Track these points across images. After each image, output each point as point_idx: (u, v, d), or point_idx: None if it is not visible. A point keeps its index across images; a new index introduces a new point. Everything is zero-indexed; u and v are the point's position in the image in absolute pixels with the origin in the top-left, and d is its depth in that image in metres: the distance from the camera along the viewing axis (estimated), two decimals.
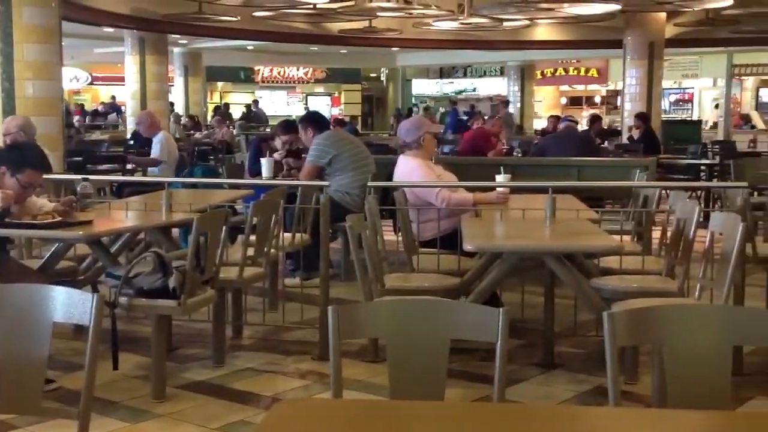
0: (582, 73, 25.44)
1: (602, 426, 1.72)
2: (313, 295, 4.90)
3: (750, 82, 24.11)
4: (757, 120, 22.05)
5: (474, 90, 27.78)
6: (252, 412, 3.80)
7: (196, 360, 4.52)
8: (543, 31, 17.06)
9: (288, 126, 7.27)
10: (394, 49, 20.03)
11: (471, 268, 4.54)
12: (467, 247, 3.95)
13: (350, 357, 4.34)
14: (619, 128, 15.91)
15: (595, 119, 13.49)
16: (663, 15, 14.75)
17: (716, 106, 20.27)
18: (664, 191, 6.25)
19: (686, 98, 24.45)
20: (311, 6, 12.00)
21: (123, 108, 18.88)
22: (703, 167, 11.26)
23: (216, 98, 26.17)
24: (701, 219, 4.32)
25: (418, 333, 2.17)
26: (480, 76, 27.48)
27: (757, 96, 24.19)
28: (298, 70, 26.55)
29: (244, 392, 4.06)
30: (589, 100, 26.43)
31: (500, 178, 5.25)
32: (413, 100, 27.85)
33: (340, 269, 6.30)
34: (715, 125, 21.76)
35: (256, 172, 6.64)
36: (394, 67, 26.23)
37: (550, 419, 1.73)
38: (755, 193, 7.63)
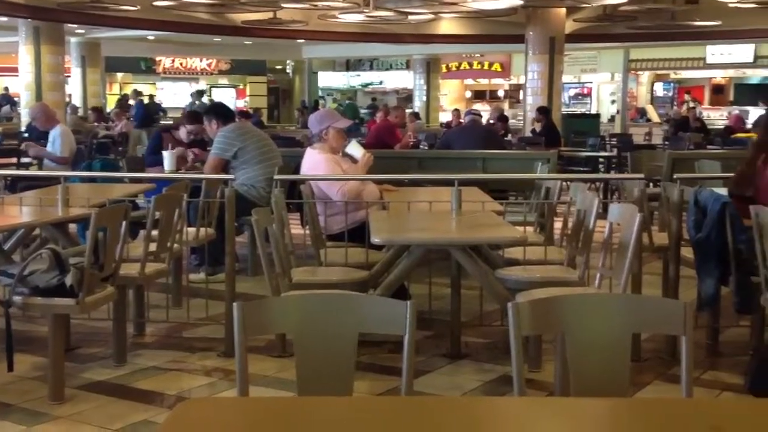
0: (486, 67, 25.85)
1: (506, 416, 1.74)
2: (219, 291, 4.82)
3: (645, 76, 25.01)
4: (652, 113, 22.88)
5: (380, 83, 27.88)
6: (155, 411, 3.70)
7: (97, 359, 4.39)
8: (447, 25, 17.25)
9: (194, 116, 7.13)
10: (299, 40, 19.89)
11: (379, 261, 4.55)
12: (375, 240, 3.95)
13: (258, 352, 4.29)
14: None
15: (502, 118, 13.73)
16: (563, 11, 15.13)
17: (612, 102, 20.94)
18: (565, 183, 6.40)
19: (585, 92, 25.16)
20: None
21: (17, 100, 18.13)
22: (601, 160, 11.62)
23: (116, 90, 25.43)
24: (600, 210, 4.44)
25: (326, 327, 2.15)
26: (386, 69, 27.60)
27: (652, 90, 25.12)
28: (201, 61, 26.08)
29: (147, 391, 3.96)
30: (493, 94, 26.89)
31: (351, 148, 5.37)
32: (320, 93, 27.75)
33: (246, 264, 6.22)
34: (612, 119, 22.48)
35: (154, 164, 6.49)
36: (300, 59, 26.07)
37: (455, 411, 1.74)
38: (651, 184, 7.92)
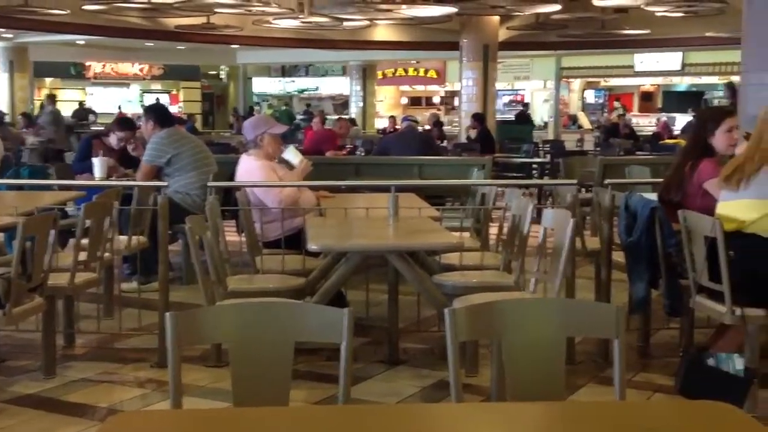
0: (421, 73, 26.03)
1: (443, 423, 1.74)
2: (152, 300, 4.72)
3: (577, 84, 25.51)
4: (583, 120, 23.34)
5: (316, 89, 27.83)
6: (86, 425, 3.61)
7: (25, 372, 4.25)
8: (383, 32, 17.32)
9: (125, 122, 7.00)
10: (234, 46, 19.73)
11: (316, 268, 4.52)
12: (311, 247, 3.92)
13: (192, 362, 4.22)
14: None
15: (436, 123, 13.84)
16: (496, 19, 15.34)
17: (546, 104, 21.35)
18: (500, 189, 6.47)
19: (519, 99, 25.54)
20: (146, 0, 11.61)
21: None
22: (535, 166, 11.79)
23: (44, 95, 24.79)
24: (534, 215, 4.49)
25: (262, 336, 2.12)
26: (322, 75, 27.57)
27: (583, 97, 25.64)
28: (133, 66, 25.61)
29: (78, 404, 3.85)
30: (429, 101, 27.10)
31: (288, 154, 5.34)
32: (255, 99, 27.55)
33: (180, 272, 6.12)
34: (545, 125, 22.86)
35: (82, 171, 6.34)
36: (234, 64, 25.84)
37: (392, 419, 1.73)
38: (583, 190, 8.06)
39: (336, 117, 14.55)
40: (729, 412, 1.68)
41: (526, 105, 21.56)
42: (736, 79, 19.38)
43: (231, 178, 5.47)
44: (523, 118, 19.47)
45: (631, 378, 4.12)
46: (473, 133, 13.14)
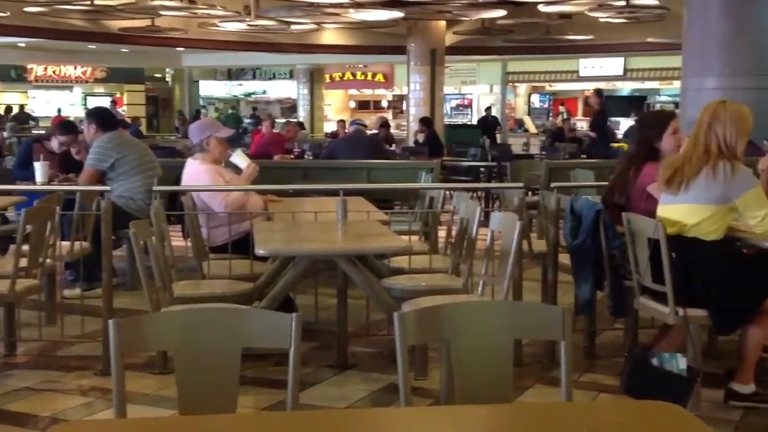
0: (369, 77, 26.06)
1: (391, 427, 1.73)
2: (96, 307, 4.63)
3: (523, 88, 25.81)
4: (529, 124, 23.61)
5: (264, 92, 27.67)
6: None
7: None
8: (330, 36, 17.30)
9: (67, 126, 6.86)
10: (179, 49, 19.48)
11: (264, 273, 4.48)
12: (259, 251, 3.89)
13: (138, 369, 4.15)
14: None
15: (383, 125, 13.84)
16: (443, 23, 15.44)
17: (488, 108, 21.44)
18: (448, 192, 6.51)
19: (466, 103, 25.74)
20: (88, 2, 11.41)
21: None
22: (482, 169, 11.87)
23: None
24: (482, 218, 4.53)
25: (208, 342, 2.09)
26: (269, 79, 27.42)
27: (529, 102, 25.96)
28: (75, 69, 25.13)
29: (20, 414, 3.76)
30: (377, 104, 27.14)
31: (236, 157, 5.29)
32: (201, 102, 27.26)
33: (125, 278, 6.01)
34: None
35: (24, 178, 6.20)
36: (180, 67, 25.53)
37: (340, 424, 1.72)
38: (530, 193, 8.14)
39: (284, 120, 14.41)
40: (673, 412, 1.71)
41: (489, 108, 21.45)
42: (602, 85, 20.13)
43: (176, 182, 5.40)
44: (485, 123, 19.40)
45: (577, 378, 4.18)
46: (421, 137, 13.19)
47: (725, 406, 3.76)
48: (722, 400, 3.78)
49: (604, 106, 13.59)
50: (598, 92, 13.70)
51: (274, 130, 11.79)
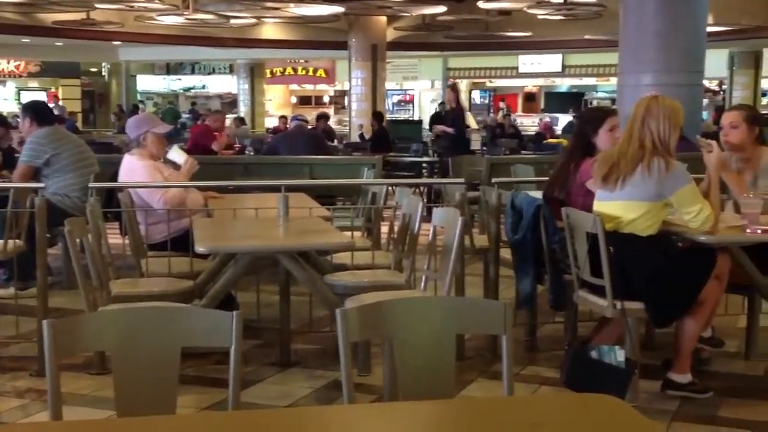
0: (310, 72, 25.96)
1: (333, 425, 1.72)
2: (31, 306, 4.51)
3: (463, 84, 25.98)
4: (470, 120, 23.76)
5: (203, 87, 27.34)
6: None
7: None
8: (270, 30, 17.16)
9: None
10: (115, 42, 19.11)
11: (204, 270, 4.42)
12: (199, 248, 3.83)
13: (75, 370, 4.06)
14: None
15: (321, 116, 13.80)
16: (384, 19, 15.46)
17: (441, 104, 21.47)
18: (390, 188, 6.51)
19: (407, 99, 25.83)
20: None
21: None
22: (425, 165, 11.92)
23: None
24: (425, 214, 4.54)
25: (146, 342, 2.04)
26: (209, 73, 27.10)
27: (470, 98, 26.14)
28: (8, 63, 24.47)
29: None
30: (319, 100, 27.05)
31: (173, 153, 5.22)
32: (139, 97, 26.80)
33: (61, 277, 5.88)
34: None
35: None
36: (116, 61, 25.04)
37: (281, 423, 1.70)
38: (471, 188, 8.20)
39: (213, 110, 13.99)
40: (611, 404, 1.73)
41: (443, 104, 20.71)
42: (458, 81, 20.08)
43: (114, 178, 5.29)
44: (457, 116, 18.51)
45: (518, 372, 4.22)
46: (369, 132, 13.20)
47: (662, 397, 3.85)
48: (659, 391, 3.86)
49: (460, 102, 12.64)
50: (453, 87, 12.81)
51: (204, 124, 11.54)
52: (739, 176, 4.16)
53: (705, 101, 14.94)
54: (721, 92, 21.82)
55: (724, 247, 3.89)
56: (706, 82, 13.75)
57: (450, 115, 11.87)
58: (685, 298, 3.75)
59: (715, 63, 17.78)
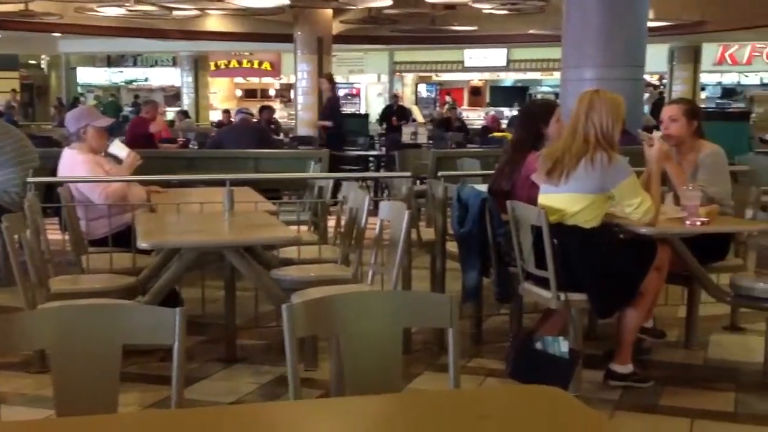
0: (256, 65, 25.74)
1: (278, 422, 1.70)
2: None
3: (410, 78, 26.06)
4: (417, 114, 23.84)
5: (146, 80, 26.91)
6: None
7: None
8: (214, 22, 16.96)
9: None
10: (55, 34, 18.68)
11: (147, 266, 4.35)
12: (142, 244, 3.76)
13: (15, 369, 3.95)
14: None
15: (264, 108, 13.67)
16: (329, 12, 15.38)
17: (394, 96, 21.35)
18: (337, 182, 6.49)
19: (354, 93, 25.78)
20: None
21: None
22: (371, 158, 11.92)
23: None
24: (371, 207, 4.53)
25: (87, 340, 2.00)
26: (151, 66, 26.68)
27: (417, 91, 26.23)
28: None
29: None
30: (264, 93, 26.84)
31: (114, 147, 5.13)
32: (79, 89, 26.27)
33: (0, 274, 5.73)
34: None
35: None
36: (56, 53, 24.49)
37: (225, 420, 1.68)
38: (418, 182, 8.23)
39: (145, 101, 13.53)
40: (554, 395, 1.75)
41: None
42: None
43: (53, 173, 5.17)
44: (390, 111, 18.35)
45: (465, 364, 4.25)
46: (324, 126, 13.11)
47: (605, 386, 3.91)
48: (602, 381, 3.92)
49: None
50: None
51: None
52: (681, 168, 4.25)
53: (646, 95, 15.23)
54: (662, 86, 22.26)
55: (664, 239, 3.97)
56: (647, 77, 14.01)
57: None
58: (626, 289, 3.81)
59: (656, 58, 18.17)
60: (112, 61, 26.78)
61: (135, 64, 26.78)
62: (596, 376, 3.98)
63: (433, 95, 26.11)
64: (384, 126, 15.59)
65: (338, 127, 11.36)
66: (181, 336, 1.98)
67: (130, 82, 26.85)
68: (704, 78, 21.80)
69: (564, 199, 3.81)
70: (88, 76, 26.95)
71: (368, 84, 25.61)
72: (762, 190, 5.07)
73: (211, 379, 4.09)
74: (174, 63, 25.12)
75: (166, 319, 2.00)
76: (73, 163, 4.96)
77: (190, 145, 11.22)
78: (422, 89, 26.27)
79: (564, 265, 3.72)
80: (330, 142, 10.74)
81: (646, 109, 16.32)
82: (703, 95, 21.83)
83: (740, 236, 4.63)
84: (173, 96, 25.03)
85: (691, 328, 4.55)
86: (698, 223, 3.82)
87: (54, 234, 5.00)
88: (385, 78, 24.53)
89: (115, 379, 2.00)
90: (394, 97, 18.89)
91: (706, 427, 3.48)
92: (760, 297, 3.98)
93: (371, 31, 16.61)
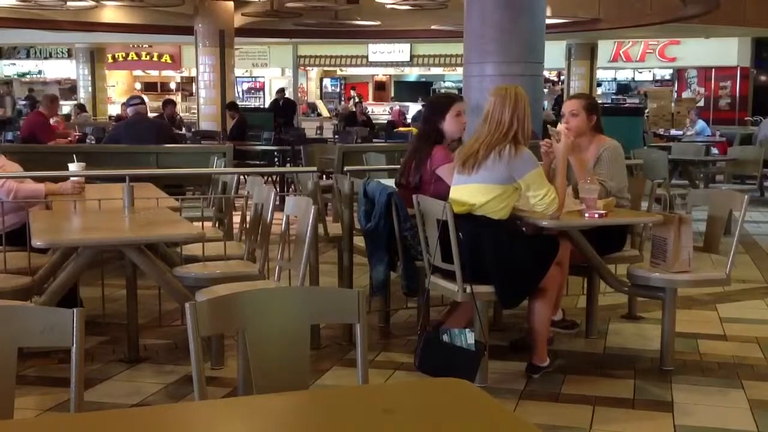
0: (155, 58, 25.14)
1: (181, 423, 1.66)
2: None
3: (314, 72, 25.94)
4: (322, 108, 23.79)
5: (40, 73, 25.94)
6: None
7: None
8: (111, 13, 16.47)
9: None
10: None
11: (43, 266, 4.19)
12: (37, 242, 3.62)
13: None
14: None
15: (167, 102, 13.37)
16: (231, 4, 15.14)
17: (280, 90, 21.13)
18: (242, 177, 6.40)
19: (258, 87, 25.50)
20: None
21: None
22: (276, 153, 11.81)
23: None
24: (277, 203, 4.49)
25: None
26: (45, 58, 25.73)
27: (321, 86, 26.15)
28: None
29: None
30: (165, 86, 26.25)
31: (73, 167, 4.95)
32: None
33: None
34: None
35: None
36: None
37: (126, 423, 1.63)
38: (324, 177, 8.20)
39: (43, 95, 12.90)
40: (460, 387, 1.76)
41: (281, 90, 19.81)
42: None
43: None
44: (277, 106, 18.12)
45: (373, 358, 4.26)
46: (231, 123, 12.92)
47: (510, 377, 3.99)
48: (509, 371, 4.00)
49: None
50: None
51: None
52: (585, 162, 4.36)
53: (545, 91, 15.59)
54: (560, 82, 22.86)
55: (565, 234, 4.08)
56: (546, 73, 14.35)
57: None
58: (530, 280, 3.89)
59: (555, 55, 18.63)
60: (4, 53, 25.71)
61: (28, 56, 25.78)
62: (502, 367, 4.05)
63: (338, 90, 26.09)
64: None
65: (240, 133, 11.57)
66: (79, 337, 1.91)
67: (23, 74, 25.83)
68: (600, 74, 22.52)
69: (473, 190, 3.86)
70: None
71: (272, 78, 25.37)
72: (656, 183, 5.26)
73: (114, 380, 3.98)
74: (69, 55, 24.28)
75: (64, 319, 1.92)
76: None
77: (88, 140, 10.86)
78: (327, 84, 26.21)
79: (471, 257, 3.77)
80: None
81: (546, 104, 16.73)
82: (599, 91, 22.55)
83: (636, 228, 4.80)
84: (69, 89, 24.20)
85: (591, 318, 4.69)
86: (597, 215, 3.93)
87: None
88: (289, 72, 24.33)
89: (10, 382, 1.92)
90: (280, 92, 18.69)
91: (607, 414, 3.59)
92: (655, 287, 4.13)
93: (274, 25, 16.45)
